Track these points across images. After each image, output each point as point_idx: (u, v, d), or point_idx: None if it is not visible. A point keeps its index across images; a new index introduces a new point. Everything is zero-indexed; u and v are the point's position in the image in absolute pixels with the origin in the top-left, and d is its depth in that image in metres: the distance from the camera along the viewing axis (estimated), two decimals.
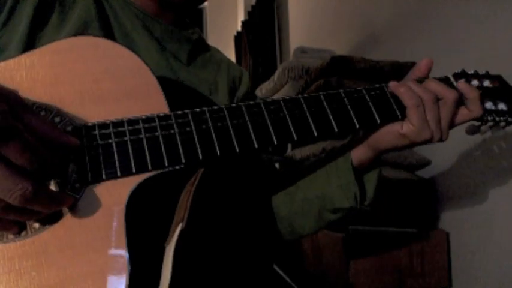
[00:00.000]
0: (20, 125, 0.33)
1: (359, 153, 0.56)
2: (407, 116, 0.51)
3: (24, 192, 0.32)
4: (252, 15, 3.21)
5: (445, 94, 0.51)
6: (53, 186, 0.38)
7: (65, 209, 0.38)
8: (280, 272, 1.01)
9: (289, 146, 1.78)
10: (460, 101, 0.53)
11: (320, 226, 0.61)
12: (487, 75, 0.59)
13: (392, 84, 0.53)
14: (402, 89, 0.51)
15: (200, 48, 0.68)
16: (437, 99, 0.51)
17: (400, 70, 1.36)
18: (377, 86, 0.53)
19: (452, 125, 0.53)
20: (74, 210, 0.38)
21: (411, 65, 1.37)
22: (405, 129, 0.51)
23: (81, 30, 0.54)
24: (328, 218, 0.60)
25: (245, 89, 0.71)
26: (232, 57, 3.62)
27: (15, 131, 0.32)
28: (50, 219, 0.37)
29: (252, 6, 3.25)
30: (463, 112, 0.54)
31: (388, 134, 0.53)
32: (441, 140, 0.52)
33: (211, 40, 3.86)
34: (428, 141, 0.52)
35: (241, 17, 3.86)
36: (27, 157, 0.32)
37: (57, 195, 0.36)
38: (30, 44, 0.50)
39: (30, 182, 0.32)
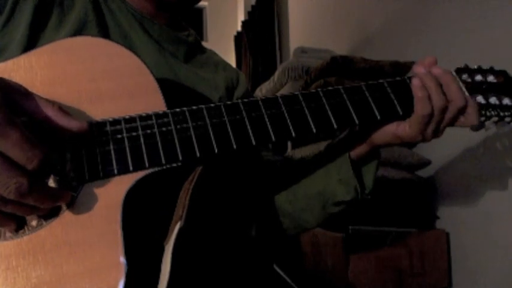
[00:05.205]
0: (17, 120, 0.33)
1: (355, 147, 0.57)
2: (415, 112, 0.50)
3: (18, 187, 0.32)
4: (252, 15, 3.21)
5: (457, 99, 0.50)
6: (52, 183, 0.38)
7: (63, 207, 0.38)
8: (280, 272, 1.01)
9: (289, 145, 1.78)
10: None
11: (325, 218, 0.62)
12: (492, 70, 0.58)
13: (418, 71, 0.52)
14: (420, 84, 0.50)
15: (196, 50, 0.68)
16: (447, 108, 0.50)
17: (400, 70, 1.36)
18: (376, 82, 0.51)
19: (448, 125, 0.53)
20: (71, 208, 0.38)
21: (411, 65, 1.37)
22: (400, 131, 0.51)
23: (80, 31, 0.54)
24: (332, 210, 0.61)
25: (243, 89, 0.71)
26: (232, 57, 3.62)
27: (13, 125, 0.32)
28: (47, 217, 0.37)
29: (252, 6, 3.25)
30: (460, 119, 0.53)
31: (383, 133, 0.53)
32: (436, 137, 0.52)
33: (212, 40, 3.86)
34: (421, 141, 0.52)
35: (241, 17, 3.86)
36: (25, 151, 0.32)
37: (54, 191, 0.36)
38: (30, 45, 0.50)
39: (26, 176, 0.32)
